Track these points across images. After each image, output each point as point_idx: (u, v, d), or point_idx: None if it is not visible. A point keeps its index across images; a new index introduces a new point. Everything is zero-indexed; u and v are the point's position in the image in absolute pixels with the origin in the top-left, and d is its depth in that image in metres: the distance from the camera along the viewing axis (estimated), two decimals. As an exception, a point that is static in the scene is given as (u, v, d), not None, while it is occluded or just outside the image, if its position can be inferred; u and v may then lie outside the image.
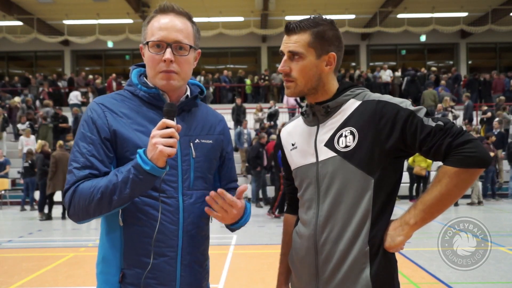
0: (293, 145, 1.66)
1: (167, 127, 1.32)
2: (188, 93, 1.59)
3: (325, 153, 1.52)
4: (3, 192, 12.63)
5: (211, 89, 18.61)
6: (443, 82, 16.98)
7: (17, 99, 16.74)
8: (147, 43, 1.47)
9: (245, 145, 14.08)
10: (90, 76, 19.18)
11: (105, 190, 1.34)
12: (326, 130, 1.54)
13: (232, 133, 15.51)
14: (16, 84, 19.19)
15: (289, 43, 1.52)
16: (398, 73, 18.54)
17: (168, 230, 1.45)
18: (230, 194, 1.50)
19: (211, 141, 1.59)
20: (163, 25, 1.47)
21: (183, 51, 1.49)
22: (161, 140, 1.30)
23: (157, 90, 1.50)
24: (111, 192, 1.34)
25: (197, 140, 1.54)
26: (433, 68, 18.96)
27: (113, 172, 1.38)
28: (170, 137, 1.31)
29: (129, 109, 1.49)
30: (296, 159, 1.64)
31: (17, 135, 15.57)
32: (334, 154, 1.50)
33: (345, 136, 1.48)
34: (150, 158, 1.31)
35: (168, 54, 1.44)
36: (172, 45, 1.46)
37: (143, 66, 1.61)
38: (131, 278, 1.44)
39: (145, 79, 1.55)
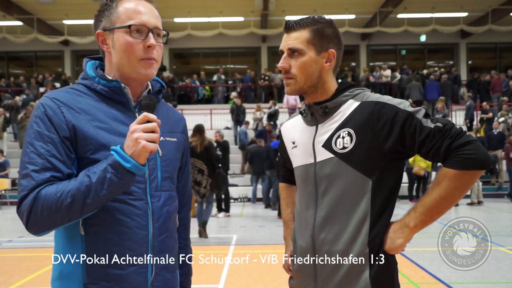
0: (293, 143, 1.66)
1: (148, 121, 1.23)
2: (150, 87, 1.47)
3: (323, 154, 1.51)
4: (3, 192, 12.63)
5: (238, 89, 18.62)
6: (433, 77, 16.87)
7: (17, 98, 16.73)
8: (129, 27, 1.32)
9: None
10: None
11: (77, 193, 1.20)
12: (325, 131, 1.53)
13: (231, 132, 15.51)
14: (21, 83, 19.21)
15: (288, 41, 1.52)
16: (396, 75, 18.47)
17: (138, 236, 1.32)
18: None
19: (175, 139, 1.49)
20: (141, 9, 1.35)
21: (159, 38, 1.39)
22: (143, 135, 1.20)
23: (119, 83, 1.36)
24: (84, 195, 1.20)
25: (161, 138, 1.39)
26: (436, 68, 18.94)
27: (83, 173, 1.24)
28: (152, 131, 1.22)
29: (87, 104, 1.33)
30: (296, 158, 1.64)
31: (17, 135, 15.56)
32: (331, 155, 1.49)
33: (343, 137, 1.47)
34: (130, 155, 1.21)
35: (152, 39, 1.34)
36: (153, 31, 1.35)
37: (97, 59, 1.48)
38: None
39: (102, 71, 1.41)
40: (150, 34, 1.34)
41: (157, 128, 1.23)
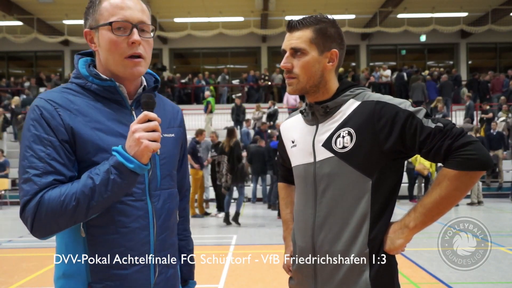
0: (293, 142, 1.65)
1: (149, 120, 1.22)
2: (145, 83, 1.44)
3: (323, 154, 1.51)
4: (3, 192, 12.62)
5: (245, 89, 18.54)
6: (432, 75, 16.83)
7: (15, 99, 16.72)
8: (110, 24, 1.29)
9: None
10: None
11: (81, 196, 1.19)
12: (325, 130, 1.53)
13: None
14: (23, 83, 19.23)
15: (291, 40, 1.51)
16: (394, 74, 18.48)
17: (139, 236, 1.32)
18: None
19: (173, 135, 1.47)
20: (124, 4, 1.31)
21: (147, 33, 1.35)
22: (145, 135, 1.20)
23: (113, 82, 1.33)
24: (89, 198, 1.20)
25: None
26: (433, 69, 18.93)
27: (85, 175, 1.23)
28: (153, 130, 1.22)
29: (83, 105, 1.31)
30: (295, 157, 1.63)
31: (17, 135, 15.56)
32: (331, 154, 1.49)
33: (343, 137, 1.47)
34: (133, 155, 1.20)
35: (136, 35, 1.30)
36: (138, 26, 1.31)
37: (88, 54, 1.45)
38: None
39: (95, 70, 1.38)
40: (134, 30, 1.30)
41: (158, 126, 1.23)
